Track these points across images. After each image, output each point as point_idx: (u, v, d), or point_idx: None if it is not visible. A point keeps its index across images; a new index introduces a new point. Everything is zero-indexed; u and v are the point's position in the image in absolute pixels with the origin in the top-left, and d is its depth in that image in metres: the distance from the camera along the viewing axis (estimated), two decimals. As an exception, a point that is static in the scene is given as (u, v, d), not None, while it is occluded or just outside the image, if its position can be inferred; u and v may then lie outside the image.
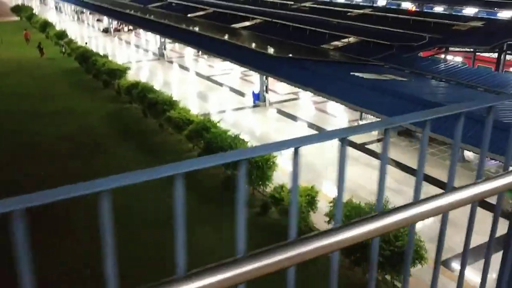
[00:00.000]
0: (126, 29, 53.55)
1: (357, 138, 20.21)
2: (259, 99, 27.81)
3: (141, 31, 49.56)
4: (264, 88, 27.65)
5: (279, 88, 29.34)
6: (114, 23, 52.65)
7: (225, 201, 13.79)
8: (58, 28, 48.87)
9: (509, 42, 26.13)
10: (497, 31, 27.33)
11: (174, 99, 23.35)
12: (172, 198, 1.22)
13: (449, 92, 20.91)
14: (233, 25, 37.89)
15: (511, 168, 1.78)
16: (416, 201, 1.52)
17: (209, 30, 35.29)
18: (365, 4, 48.12)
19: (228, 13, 40.78)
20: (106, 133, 23.35)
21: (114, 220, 1.17)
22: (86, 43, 42.23)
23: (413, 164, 17.81)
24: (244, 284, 1.21)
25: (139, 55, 42.96)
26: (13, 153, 20.79)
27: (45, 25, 51.08)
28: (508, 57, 28.04)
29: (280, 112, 26.84)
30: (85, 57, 34.70)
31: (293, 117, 25.92)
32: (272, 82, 27.44)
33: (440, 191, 1.61)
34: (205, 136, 18.76)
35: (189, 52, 41.51)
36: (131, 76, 30.12)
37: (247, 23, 37.98)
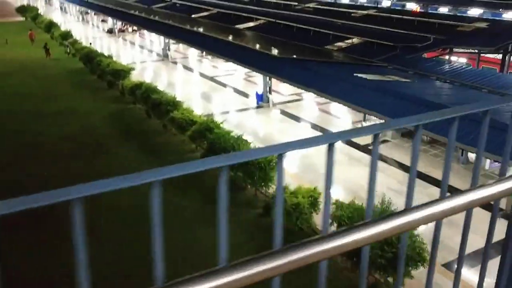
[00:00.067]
0: (130, 29, 53.67)
1: (361, 140, 20.16)
2: (262, 100, 27.81)
3: (145, 31, 49.67)
4: (268, 89, 27.66)
5: (283, 89, 29.32)
6: (119, 24, 52.80)
7: (229, 202, 13.75)
8: (63, 28, 49.01)
9: (514, 44, 26.08)
10: (502, 32, 27.27)
11: (177, 99, 23.38)
12: (148, 206, 1.17)
13: (453, 94, 20.86)
14: (237, 26, 37.94)
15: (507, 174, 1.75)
16: (408, 209, 1.43)
17: (213, 30, 35.32)
18: (369, 5, 48.13)
19: (232, 14, 40.85)
20: (108, 133, 23.39)
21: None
22: (90, 43, 42.34)
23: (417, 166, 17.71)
24: None
25: (143, 56, 43.05)
26: (16, 153, 20.82)
27: (50, 26, 51.21)
28: (513, 58, 27.95)
29: (283, 113, 26.83)
30: (90, 57, 34.78)
31: (297, 118, 25.90)
32: (276, 83, 27.44)
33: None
34: (208, 136, 18.74)
35: (193, 53, 41.58)
36: (135, 76, 30.16)
37: (251, 24, 38.03)
